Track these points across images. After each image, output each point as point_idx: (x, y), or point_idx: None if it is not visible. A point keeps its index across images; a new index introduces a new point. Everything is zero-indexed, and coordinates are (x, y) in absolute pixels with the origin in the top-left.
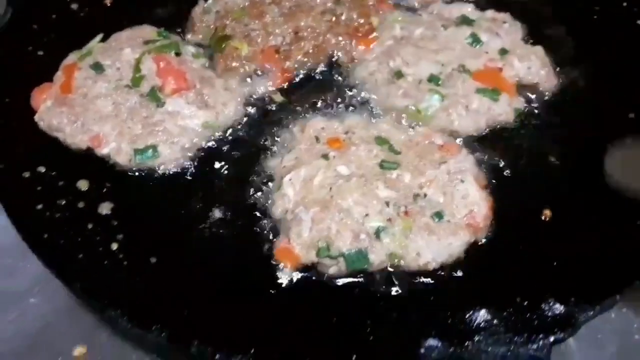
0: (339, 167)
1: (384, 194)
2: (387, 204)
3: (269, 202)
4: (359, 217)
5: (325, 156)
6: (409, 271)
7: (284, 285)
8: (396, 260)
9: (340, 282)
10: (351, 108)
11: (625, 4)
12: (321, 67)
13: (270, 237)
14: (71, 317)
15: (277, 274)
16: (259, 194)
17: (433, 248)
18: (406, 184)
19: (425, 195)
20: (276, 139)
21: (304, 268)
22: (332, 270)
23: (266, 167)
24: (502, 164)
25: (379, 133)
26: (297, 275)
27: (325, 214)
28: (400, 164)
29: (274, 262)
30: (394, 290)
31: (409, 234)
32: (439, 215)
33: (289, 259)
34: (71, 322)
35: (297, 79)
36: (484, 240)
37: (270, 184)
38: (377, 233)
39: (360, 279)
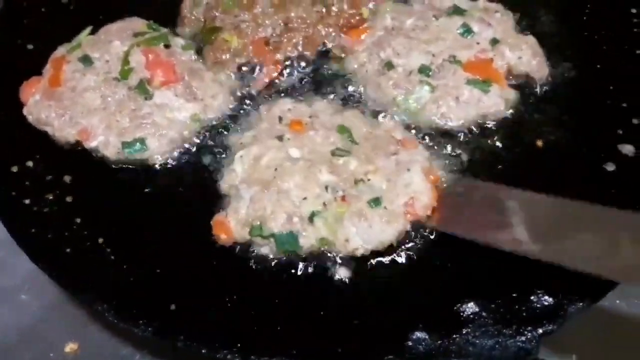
0: (291, 150)
1: (325, 178)
2: (326, 188)
3: (219, 175)
4: (297, 200)
5: (280, 137)
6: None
7: (267, 279)
8: (326, 245)
9: (329, 273)
10: (341, 98)
11: None
12: (312, 58)
13: None
14: (62, 313)
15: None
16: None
17: (363, 234)
18: (351, 170)
19: (368, 180)
20: (242, 117)
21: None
22: (264, 250)
23: (227, 143)
24: (493, 153)
25: (343, 121)
26: (277, 267)
27: (263, 194)
28: (351, 153)
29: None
30: (381, 283)
31: (342, 220)
32: (376, 201)
33: (224, 232)
34: (62, 317)
35: (287, 71)
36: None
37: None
38: (311, 217)
39: (350, 269)
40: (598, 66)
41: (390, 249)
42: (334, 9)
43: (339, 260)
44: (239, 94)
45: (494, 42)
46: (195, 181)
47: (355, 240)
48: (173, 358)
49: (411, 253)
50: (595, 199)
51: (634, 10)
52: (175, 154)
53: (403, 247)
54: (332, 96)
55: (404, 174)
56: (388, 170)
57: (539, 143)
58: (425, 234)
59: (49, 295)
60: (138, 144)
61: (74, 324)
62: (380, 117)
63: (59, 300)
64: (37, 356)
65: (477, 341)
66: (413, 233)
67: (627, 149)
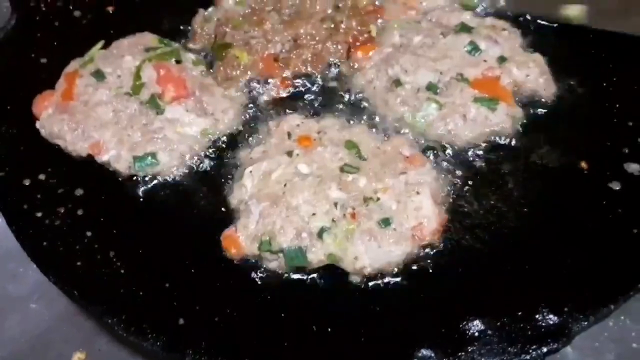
0: (300, 166)
1: (334, 194)
2: (336, 205)
3: (229, 190)
4: (306, 215)
5: (289, 153)
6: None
7: (275, 294)
8: (334, 261)
9: (333, 288)
10: (349, 115)
11: None
12: (320, 75)
13: None
14: (71, 323)
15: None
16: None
17: (371, 254)
18: (360, 187)
19: (378, 199)
20: (252, 133)
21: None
22: (272, 265)
23: (237, 158)
24: (500, 171)
25: (350, 137)
26: (285, 283)
27: (273, 210)
28: (360, 169)
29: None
30: (387, 301)
31: (351, 237)
32: (386, 221)
33: (234, 246)
34: (71, 327)
35: (296, 86)
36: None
37: None
38: (320, 233)
39: (356, 282)
40: (604, 84)
41: (397, 267)
42: (343, 26)
43: (346, 279)
44: (248, 109)
45: (502, 59)
46: (205, 196)
47: (364, 259)
48: None
49: (417, 271)
50: (601, 218)
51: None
52: (186, 168)
53: (409, 266)
54: (340, 112)
55: (413, 197)
56: (397, 191)
57: (545, 161)
58: (431, 254)
59: (59, 305)
60: (149, 158)
61: (83, 334)
62: (388, 133)
63: (69, 310)
64: None
65: (483, 359)
66: (420, 253)
67: (633, 167)
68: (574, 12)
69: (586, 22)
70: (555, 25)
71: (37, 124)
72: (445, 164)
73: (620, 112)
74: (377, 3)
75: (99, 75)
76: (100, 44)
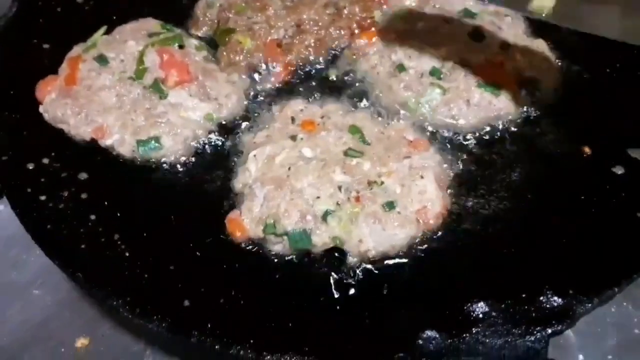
0: (304, 150)
1: (339, 178)
2: (340, 188)
3: (233, 174)
4: (310, 198)
5: (293, 137)
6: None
7: (280, 276)
8: (338, 243)
9: (337, 271)
10: (352, 100)
11: None
12: (323, 60)
13: None
14: (74, 309)
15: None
16: None
17: (376, 237)
18: (364, 171)
19: (382, 183)
20: (257, 116)
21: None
22: (277, 248)
23: (241, 142)
24: (503, 156)
25: (354, 121)
26: (290, 265)
27: (277, 193)
28: (364, 154)
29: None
30: (392, 283)
31: (355, 220)
32: (390, 205)
33: (238, 229)
34: (74, 313)
35: (300, 72)
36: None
37: None
38: (325, 216)
39: (361, 265)
40: (608, 70)
41: (401, 251)
42: (346, 11)
43: (350, 260)
44: (252, 94)
45: (505, 46)
46: (209, 180)
47: (368, 242)
48: (184, 354)
49: (421, 254)
50: (604, 202)
51: None
52: (189, 152)
53: (413, 249)
54: (343, 98)
55: (417, 180)
56: (401, 174)
57: (549, 146)
58: (435, 237)
59: (62, 291)
60: (153, 142)
61: (85, 320)
62: (391, 118)
63: (71, 296)
64: (49, 351)
65: (487, 340)
66: (424, 237)
67: (637, 152)
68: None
69: (553, 19)
70: None
71: (41, 109)
72: (449, 148)
73: (623, 97)
74: None
75: (102, 60)
76: (103, 29)
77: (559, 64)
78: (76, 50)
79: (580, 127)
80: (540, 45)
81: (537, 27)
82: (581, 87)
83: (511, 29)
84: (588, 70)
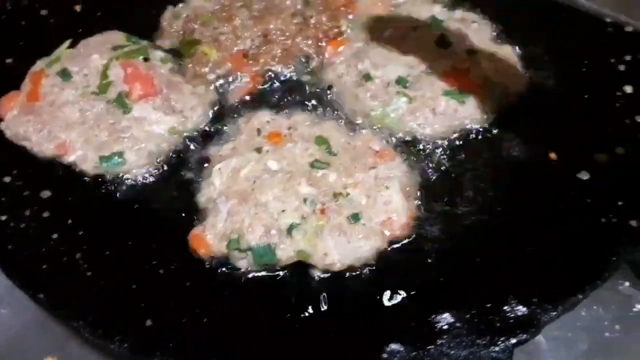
0: (269, 162)
1: (304, 190)
2: (305, 200)
3: (198, 188)
4: (275, 212)
5: (258, 150)
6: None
7: (244, 293)
8: (303, 257)
9: (302, 285)
10: (319, 110)
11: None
12: (290, 70)
13: None
14: (42, 328)
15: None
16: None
17: (341, 249)
18: (330, 183)
19: (347, 194)
20: (224, 128)
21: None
22: (241, 263)
23: (206, 155)
24: (470, 164)
25: (321, 132)
26: (254, 281)
27: (242, 207)
28: (330, 165)
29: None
30: (356, 296)
31: (321, 233)
32: (356, 217)
33: (201, 246)
34: (42, 332)
35: (267, 83)
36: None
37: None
38: (290, 229)
39: (326, 278)
40: (574, 75)
41: (366, 263)
42: (313, 21)
43: (315, 274)
44: (217, 106)
45: (471, 52)
46: (174, 195)
47: (333, 255)
48: None
49: (386, 266)
50: (569, 208)
51: (608, 20)
52: (154, 167)
53: (379, 260)
54: (310, 108)
55: (383, 191)
56: (367, 185)
57: (515, 153)
58: (400, 248)
59: (29, 309)
60: (116, 157)
61: (53, 338)
62: (358, 128)
63: (39, 315)
64: None
65: (452, 352)
66: (389, 248)
67: (601, 157)
68: None
69: None
70: (527, 16)
71: (2, 126)
72: (414, 157)
73: (589, 102)
74: None
75: (65, 74)
76: (67, 42)
77: (525, 69)
78: (39, 64)
79: (546, 133)
80: (506, 51)
81: (503, 33)
82: (547, 93)
83: (477, 35)
84: (553, 76)
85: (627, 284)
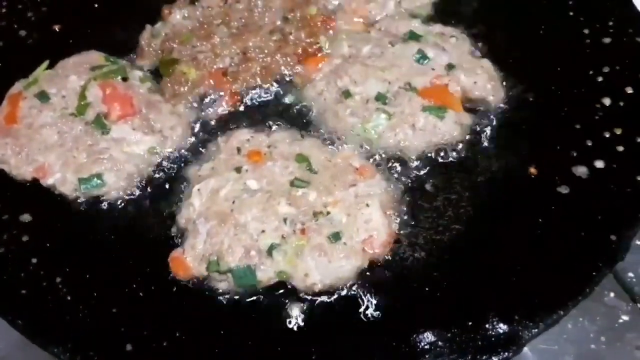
0: (249, 182)
1: (284, 210)
2: (285, 220)
3: (177, 210)
4: (255, 233)
5: (238, 169)
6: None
7: (224, 316)
8: (284, 278)
9: (283, 306)
10: (299, 127)
11: (571, 13)
12: (270, 88)
13: None
14: (25, 351)
15: None
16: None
17: (322, 269)
18: (310, 202)
19: (328, 213)
20: (203, 148)
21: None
22: (222, 286)
23: (186, 176)
24: (450, 180)
25: (301, 150)
26: (235, 304)
27: (221, 228)
28: (310, 183)
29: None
30: (337, 315)
31: (301, 253)
32: (336, 236)
33: (181, 268)
34: (25, 356)
35: (246, 101)
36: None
37: None
38: (270, 250)
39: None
40: (552, 88)
41: (347, 282)
42: (292, 38)
43: (297, 296)
44: (197, 125)
45: (450, 67)
46: (153, 216)
47: (314, 275)
48: None
49: (367, 285)
50: (550, 223)
51: (586, 31)
52: (133, 188)
53: (359, 280)
54: (290, 125)
55: (363, 209)
56: (347, 203)
57: (495, 168)
58: (382, 266)
59: (13, 334)
60: (95, 179)
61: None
62: (338, 145)
63: (23, 339)
64: None
65: None
66: (370, 267)
67: (581, 170)
68: None
69: None
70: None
71: None
72: (395, 174)
73: (567, 115)
74: (329, 8)
75: (43, 96)
76: (45, 64)
77: (504, 83)
78: (17, 86)
79: (525, 148)
80: (485, 65)
81: (482, 47)
82: (526, 106)
83: (456, 49)
84: (532, 90)
85: (612, 295)
